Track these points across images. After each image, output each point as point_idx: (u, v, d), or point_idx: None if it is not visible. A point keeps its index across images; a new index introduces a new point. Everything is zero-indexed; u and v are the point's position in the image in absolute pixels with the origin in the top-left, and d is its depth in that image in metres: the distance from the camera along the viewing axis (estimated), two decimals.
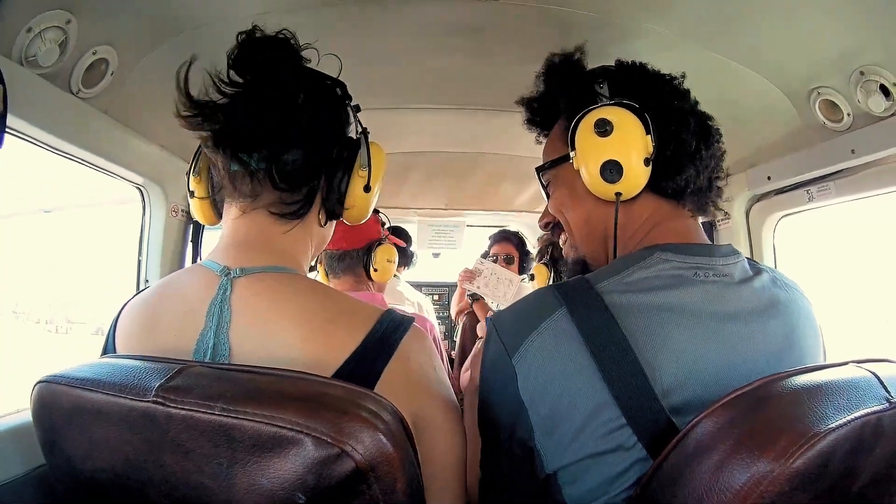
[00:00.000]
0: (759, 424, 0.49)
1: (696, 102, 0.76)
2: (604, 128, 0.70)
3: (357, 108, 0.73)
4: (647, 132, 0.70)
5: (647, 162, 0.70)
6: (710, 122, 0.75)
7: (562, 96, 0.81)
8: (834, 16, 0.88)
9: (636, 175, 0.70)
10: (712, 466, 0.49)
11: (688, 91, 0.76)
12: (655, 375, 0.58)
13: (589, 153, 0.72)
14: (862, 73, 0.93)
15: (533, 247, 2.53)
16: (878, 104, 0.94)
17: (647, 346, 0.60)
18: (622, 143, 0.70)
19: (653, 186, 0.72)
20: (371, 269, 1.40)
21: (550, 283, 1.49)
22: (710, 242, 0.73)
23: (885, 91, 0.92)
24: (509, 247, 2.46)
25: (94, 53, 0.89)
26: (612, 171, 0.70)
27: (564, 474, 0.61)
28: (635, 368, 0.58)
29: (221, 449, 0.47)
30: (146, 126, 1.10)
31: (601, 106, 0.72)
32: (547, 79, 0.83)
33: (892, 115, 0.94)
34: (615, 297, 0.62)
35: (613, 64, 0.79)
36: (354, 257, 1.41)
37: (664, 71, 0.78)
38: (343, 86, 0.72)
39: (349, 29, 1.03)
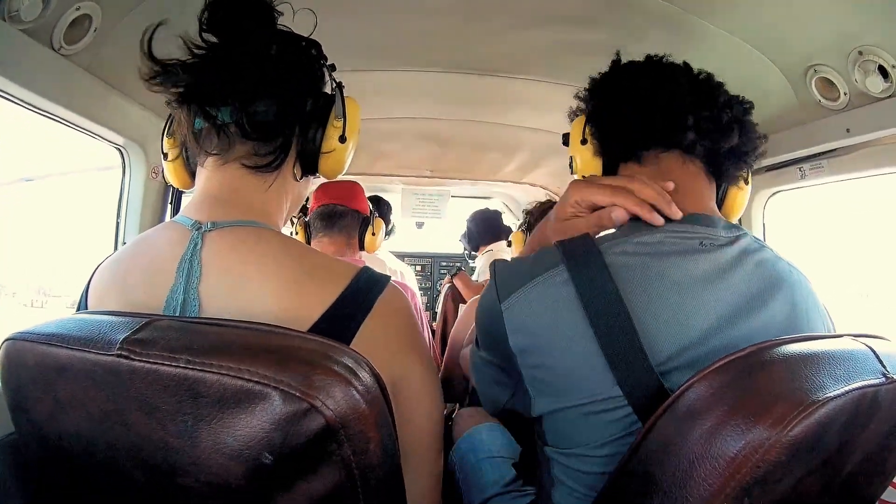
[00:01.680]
0: (755, 390, 0.47)
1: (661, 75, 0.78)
2: (563, 139, 0.86)
3: (332, 68, 0.72)
4: (585, 123, 0.81)
5: (582, 142, 0.82)
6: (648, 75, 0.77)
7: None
8: None
9: (582, 157, 0.82)
10: (704, 432, 0.47)
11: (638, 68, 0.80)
12: (648, 337, 0.58)
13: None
14: (861, 53, 0.92)
15: (516, 217, 2.59)
16: (875, 84, 0.92)
17: (641, 307, 0.59)
18: (571, 141, 0.84)
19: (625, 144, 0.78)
20: (369, 232, 1.42)
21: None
22: (719, 214, 0.73)
23: (883, 72, 0.91)
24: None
25: (77, 9, 0.86)
26: (571, 164, 0.85)
27: (549, 420, 0.63)
28: (627, 326, 0.57)
29: (185, 404, 0.44)
30: (128, 85, 1.07)
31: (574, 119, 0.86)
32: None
33: (889, 96, 0.93)
34: (615, 257, 0.62)
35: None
36: (356, 219, 1.41)
37: (661, 42, 0.80)
38: (318, 45, 0.71)
39: None
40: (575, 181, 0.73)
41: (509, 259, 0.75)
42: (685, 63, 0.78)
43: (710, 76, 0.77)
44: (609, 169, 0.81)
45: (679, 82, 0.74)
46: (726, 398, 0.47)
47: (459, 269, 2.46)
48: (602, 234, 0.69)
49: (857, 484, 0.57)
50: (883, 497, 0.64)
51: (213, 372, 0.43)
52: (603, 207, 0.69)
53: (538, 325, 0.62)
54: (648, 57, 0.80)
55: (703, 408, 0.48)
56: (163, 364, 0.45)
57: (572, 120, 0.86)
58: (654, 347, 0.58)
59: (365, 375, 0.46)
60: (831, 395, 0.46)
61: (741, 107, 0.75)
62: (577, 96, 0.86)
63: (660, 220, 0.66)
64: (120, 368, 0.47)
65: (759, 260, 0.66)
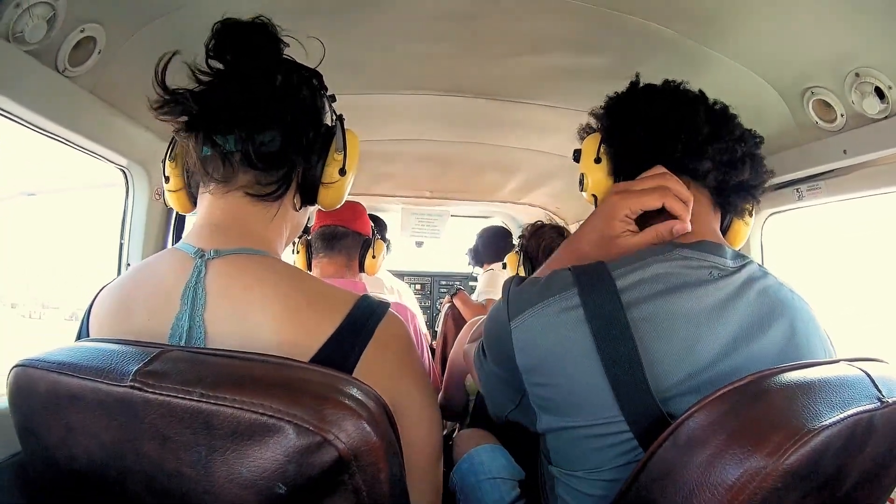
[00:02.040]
0: (753, 419, 0.49)
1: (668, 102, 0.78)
2: (576, 155, 0.85)
3: (332, 98, 0.74)
4: (600, 142, 0.81)
5: (596, 160, 0.80)
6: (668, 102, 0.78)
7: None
8: (832, 17, 0.88)
9: (594, 175, 0.81)
10: (704, 461, 0.48)
11: (653, 96, 0.80)
12: (653, 366, 0.59)
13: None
14: (857, 75, 0.93)
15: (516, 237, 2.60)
16: (872, 106, 0.93)
17: (649, 337, 0.60)
18: (582, 157, 0.83)
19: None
20: (370, 255, 1.42)
21: (519, 270, 1.53)
22: (724, 242, 0.74)
23: (879, 93, 0.92)
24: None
25: (81, 31, 0.87)
26: (581, 181, 0.84)
27: (553, 438, 0.65)
28: (633, 356, 0.58)
29: (200, 436, 0.45)
30: (132, 107, 1.08)
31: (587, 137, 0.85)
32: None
33: (886, 117, 0.93)
34: (628, 285, 0.63)
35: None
36: (357, 240, 1.41)
37: (658, 66, 0.81)
38: (319, 76, 0.72)
39: (337, 9, 1.00)
40: (616, 192, 0.73)
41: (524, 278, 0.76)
42: (701, 91, 0.79)
43: (725, 107, 0.78)
44: (616, 175, 0.81)
45: (697, 111, 0.75)
46: (725, 427, 0.49)
47: (459, 288, 2.46)
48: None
49: (856, 502, 0.58)
50: None
51: (227, 406, 0.44)
52: (651, 212, 0.70)
53: (545, 346, 0.63)
54: (666, 81, 0.81)
55: (703, 436, 0.49)
56: (176, 397, 0.46)
57: (583, 138, 0.86)
58: (658, 376, 0.59)
59: (373, 406, 0.47)
60: (826, 423, 0.48)
61: (753, 140, 0.77)
62: (592, 113, 0.87)
63: (688, 227, 0.69)
64: (133, 399, 0.48)
65: (763, 287, 0.67)
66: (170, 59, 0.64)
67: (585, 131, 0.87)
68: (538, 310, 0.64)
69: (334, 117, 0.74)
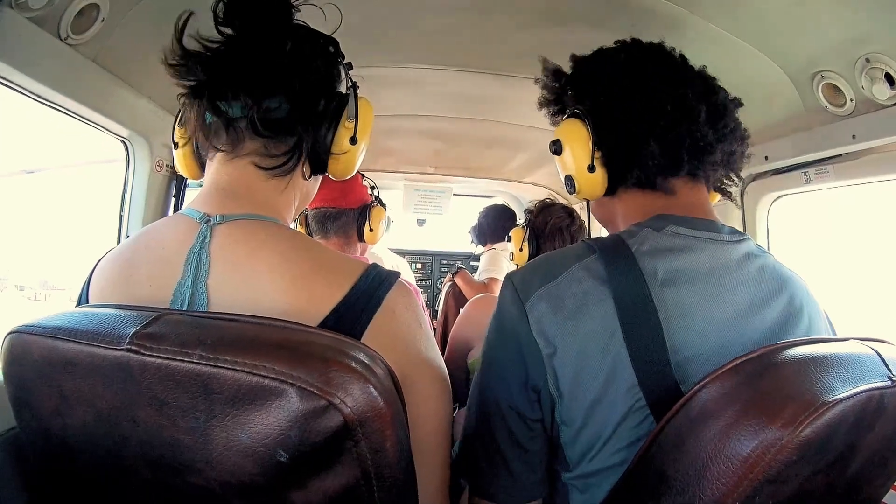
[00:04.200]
0: (766, 391, 0.48)
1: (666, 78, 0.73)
2: (555, 148, 0.78)
3: (349, 66, 0.71)
4: (591, 138, 0.73)
5: (590, 169, 0.74)
6: (669, 99, 0.71)
7: (546, 108, 0.85)
8: (843, 1, 0.87)
9: (589, 184, 0.75)
10: (717, 432, 0.47)
11: (648, 72, 0.73)
12: (672, 333, 0.59)
13: (559, 169, 0.80)
14: (868, 61, 0.92)
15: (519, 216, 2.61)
16: (882, 92, 0.93)
17: (664, 304, 0.60)
18: (570, 158, 0.76)
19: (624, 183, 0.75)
20: (367, 228, 1.39)
21: (525, 243, 1.50)
22: (718, 219, 0.73)
23: (889, 79, 0.91)
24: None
25: None
26: (569, 184, 0.78)
27: (572, 425, 0.63)
28: (652, 322, 0.59)
29: (198, 401, 0.44)
30: (134, 77, 1.06)
31: (562, 120, 0.79)
32: (543, 87, 0.85)
33: (895, 103, 0.93)
34: (645, 258, 0.63)
35: (575, 60, 0.81)
36: (350, 216, 1.39)
37: (668, 44, 0.78)
38: (336, 43, 0.70)
39: None
40: None
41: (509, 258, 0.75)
42: (699, 75, 0.75)
43: (725, 105, 0.74)
44: (612, 190, 0.77)
45: (699, 109, 0.70)
46: (739, 399, 0.48)
47: (460, 267, 2.45)
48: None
49: (860, 484, 0.57)
50: (884, 499, 0.65)
51: (228, 368, 0.42)
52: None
53: (565, 314, 0.62)
54: (657, 63, 0.74)
55: (715, 408, 0.49)
56: (174, 359, 0.44)
57: (552, 112, 0.82)
58: (674, 346, 0.59)
59: (381, 372, 0.46)
60: (840, 396, 0.47)
61: (744, 132, 0.76)
62: (554, 93, 0.80)
63: None
64: (129, 363, 0.46)
65: (762, 265, 0.67)
66: (188, 17, 0.63)
67: (556, 109, 0.82)
68: (553, 285, 0.64)
69: (349, 84, 0.71)
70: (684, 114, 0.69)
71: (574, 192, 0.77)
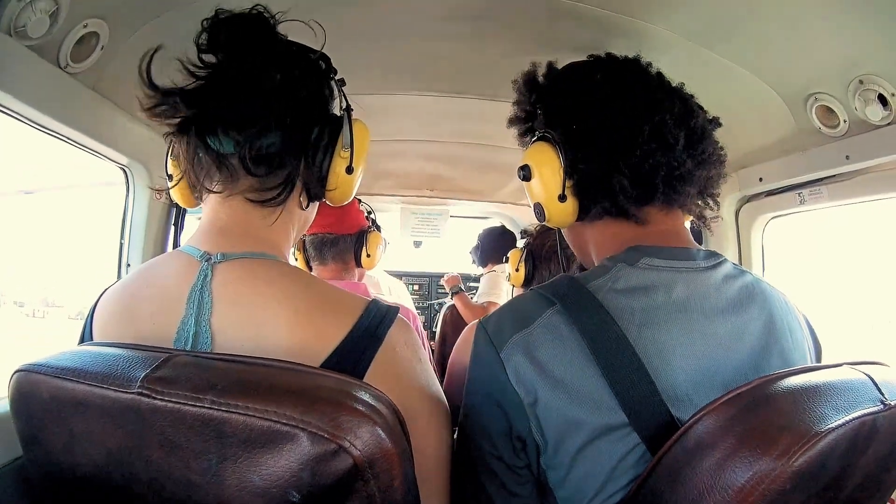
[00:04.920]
0: (761, 423, 0.49)
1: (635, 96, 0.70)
2: (524, 174, 0.75)
3: (342, 83, 0.70)
4: (563, 166, 0.70)
5: (561, 198, 0.71)
6: (646, 127, 0.68)
7: (516, 127, 0.82)
8: (836, 24, 0.88)
9: (558, 212, 0.73)
10: (714, 464, 0.48)
11: (624, 97, 0.70)
12: (655, 371, 0.59)
13: (528, 195, 0.77)
14: (861, 82, 0.93)
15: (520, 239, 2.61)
16: (875, 113, 0.94)
17: (643, 343, 0.60)
18: (539, 186, 0.73)
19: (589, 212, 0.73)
20: (364, 254, 1.39)
21: (521, 264, 1.51)
22: (694, 244, 0.72)
23: (882, 100, 0.92)
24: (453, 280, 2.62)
25: (84, 26, 0.85)
26: (539, 211, 0.75)
27: (559, 469, 0.61)
28: (634, 363, 0.58)
29: (210, 444, 0.45)
30: (134, 105, 1.05)
31: (531, 143, 0.75)
32: (514, 103, 0.82)
33: (889, 123, 0.94)
34: (606, 297, 0.62)
35: (547, 73, 0.78)
36: (347, 242, 1.39)
37: (663, 69, 0.77)
38: (327, 59, 0.68)
39: (340, 6, 0.99)
40: None
41: (492, 312, 0.70)
42: (678, 95, 0.72)
43: (704, 128, 0.72)
44: (582, 218, 0.75)
45: (677, 135, 0.68)
46: (734, 430, 0.49)
47: (460, 289, 2.46)
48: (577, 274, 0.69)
49: (856, 503, 0.59)
50: None
51: (240, 413, 0.43)
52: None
53: (542, 362, 0.61)
54: (634, 86, 0.71)
55: (711, 440, 0.50)
56: (187, 404, 0.45)
57: (522, 133, 0.79)
58: (661, 385, 0.58)
59: (387, 412, 0.47)
60: (833, 425, 0.49)
61: (722, 155, 0.74)
62: (524, 111, 0.77)
63: None
64: (141, 406, 0.47)
65: (740, 286, 0.67)
66: (153, 55, 0.61)
67: (525, 129, 0.79)
68: (525, 334, 0.62)
69: (343, 105, 0.69)
70: (661, 142, 0.67)
71: (544, 220, 0.75)
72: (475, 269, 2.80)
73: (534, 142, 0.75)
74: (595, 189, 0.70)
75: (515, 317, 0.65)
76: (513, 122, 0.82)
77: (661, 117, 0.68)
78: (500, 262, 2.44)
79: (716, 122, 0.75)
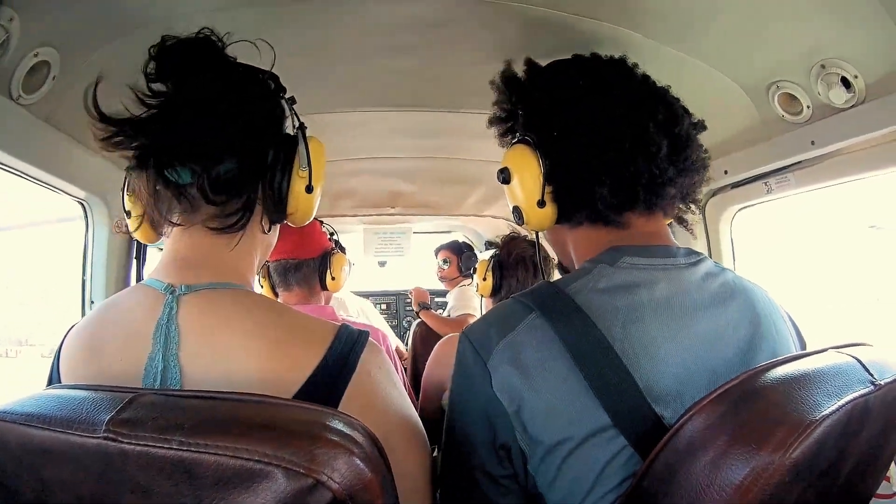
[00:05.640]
0: (753, 417, 0.48)
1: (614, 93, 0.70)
2: (503, 177, 0.75)
3: (292, 101, 0.69)
4: (542, 171, 0.70)
5: (540, 204, 0.71)
6: (629, 134, 0.67)
7: (496, 127, 0.81)
8: (795, 10, 0.88)
9: (537, 218, 0.73)
10: (708, 463, 0.47)
11: (607, 103, 0.69)
12: (635, 371, 0.58)
13: (507, 197, 0.76)
14: (823, 67, 0.93)
15: (479, 250, 2.70)
16: (838, 96, 0.93)
17: (623, 343, 0.59)
18: (519, 190, 0.73)
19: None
20: (328, 277, 1.38)
21: (489, 273, 1.53)
22: (674, 242, 0.72)
23: (845, 83, 0.92)
24: (445, 251, 2.71)
25: (35, 55, 0.82)
26: (517, 215, 0.75)
27: (547, 474, 0.60)
28: (616, 364, 0.58)
29: (183, 486, 0.42)
30: (89, 136, 1.02)
31: (512, 144, 0.75)
32: (495, 103, 0.82)
33: (853, 106, 0.94)
34: (587, 298, 0.62)
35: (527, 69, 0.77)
36: (311, 266, 1.37)
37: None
38: (276, 78, 0.68)
39: (292, 24, 0.97)
40: None
41: (474, 321, 0.70)
42: (662, 100, 0.72)
43: (689, 134, 0.71)
44: (561, 220, 0.74)
45: (660, 143, 0.67)
46: (726, 428, 0.48)
47: (426, 305, 2.45)
48: (558, 279, 0.70)
49: (855, 484, 0.58)
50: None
51: (210, 453, 0.41)
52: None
53: (527, 367, 0.60)
54: (617, 91, 0.70)
55: (703, 439, 0.49)
56: (154, 446, 0.43)
57: (502, 134, 0.79)
58: (646, 384, 0.58)
59: (364, 441, 0.45)
60: (826, 412, 0.48)
61: (706, 161, 0.74)
62: (504, 110, 0.77)
63: None
64: (108, 451, 0.44)
65: (721, 283, 0.68)
66: (96, 87, 0.60)
67: (505, 129, 0.78)
68: (508, 342, 0.62)
69: (296, 124, 0.69)
70: (643, 150, 0.67)
71: (522, 223, 0.75)
72: (439, 285, 2.82)
73: (514, 144, 0.75)
74: (575, 196, 0.70)
75: (499, 323, 0.64)
76: (492, 121, 0.82)
77: (644, 125, 0.67)
78: (468, 276, 2.46)
79: (700, 126, 0.75)
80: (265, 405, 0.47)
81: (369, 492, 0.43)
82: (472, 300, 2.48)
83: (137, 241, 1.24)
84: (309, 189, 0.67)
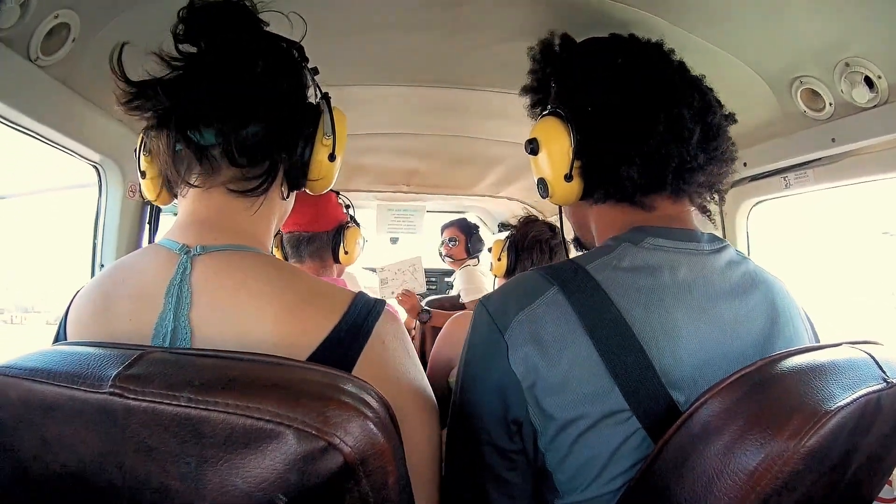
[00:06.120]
0: (770, 404, 0.48)
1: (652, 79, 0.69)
2: (531, 147, 0.74)
3: (315, 71, 0.69)
4: (572, 146, 0.69)
5: (567, 178, 0.70)
6: (663, 118, 0.66)
7: (528, 96, 0.81)
8: (822, 6, 0.87)
9: (563, 191, 0.72)
10: (722, 448, 0.47)
11: (643, 86, 0.69)
12: (653, 353, 0.58)
13: (532, 169, 0.76)
14: (847, 65, 0.93)
15: (491, 231, 2.68)
16: (861, 95, 0.93)
17: (643, 324, 0.59)
18: (546, 162, 0.72)
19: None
20: (342, 251, 1.37)
21: (504, 254, 1.52)
22: (697, 227, 0.72)
23: (868, 83, 0.92)
24: (453, 230, 2.63)
25: (55, 17, 0.82)
26: (542, 187, 0.74)
27: (557, 452, 0.60)
28: (633, 346, 0.57)
29: (189, 446, 0.42)
30: (105, 99, 1.02)
31: (542, 116, 0.75)
32: (529, 72, 0.81)
33: (875, 105, 0.94)
34: (609, 276, 0.62)
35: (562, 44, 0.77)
36: (324, 239, 1.36)
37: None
38: (301, 48, 0.67)
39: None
40: None
41: (493, 291, 0.70)
42: (697, 88, 0.71)
43: (720, 125, 0.71)
44: (587, 197, 0.74)
45: (693, 130, 0.67)
46: (741, 413, 0.48)
47: (427, 312, 2.34)
48: (579, 255, 0.69)
49: (859, 484, 0.58)
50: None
51: (219, 411, 0.40)
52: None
53: (545, 343, 0.60)
54: (654, 75, 0.69)
55: (718, 424, 0.48)
56: (162, 402, 0.42)
57: (535, 116, 0.78)
58: (664, 366, 0.58)
59: (378, 406, 0.44)
60: (841, 403, 0.48)
61: (734, 153, 0.73)
62: (538, 80, 0.76)
63: None
64: (113, 407, 0.44)
65: (743, 272, 0.67)
66: (122, 48, 0.60)
67: (537, 100, 0.78)
68: (527, 314, 0.61)
69: (318, 94, 0.69)
70: (676, 134, 0.66)
71: (547, 196, 0.75)
72: (441, 264, 2.76)
73: (545, 115, 0.74)
74: (603, 174, 0.70)
75: (518, 294, 0.63)
76: (525, 90, 0.81)
77: (678, 110, 0.67)
78: (475, 256, 2.44)
79: (731, 118, 0.74)
80: (277, 366, 0.46)
81: (381, 458, 0.42)
82: (484, 283, 2.45)
83: (150, 206, 1.26)
84: (332, 157, 0.68)
